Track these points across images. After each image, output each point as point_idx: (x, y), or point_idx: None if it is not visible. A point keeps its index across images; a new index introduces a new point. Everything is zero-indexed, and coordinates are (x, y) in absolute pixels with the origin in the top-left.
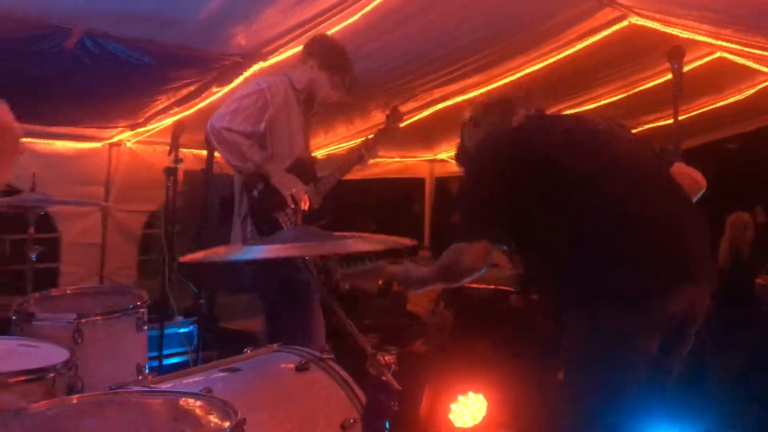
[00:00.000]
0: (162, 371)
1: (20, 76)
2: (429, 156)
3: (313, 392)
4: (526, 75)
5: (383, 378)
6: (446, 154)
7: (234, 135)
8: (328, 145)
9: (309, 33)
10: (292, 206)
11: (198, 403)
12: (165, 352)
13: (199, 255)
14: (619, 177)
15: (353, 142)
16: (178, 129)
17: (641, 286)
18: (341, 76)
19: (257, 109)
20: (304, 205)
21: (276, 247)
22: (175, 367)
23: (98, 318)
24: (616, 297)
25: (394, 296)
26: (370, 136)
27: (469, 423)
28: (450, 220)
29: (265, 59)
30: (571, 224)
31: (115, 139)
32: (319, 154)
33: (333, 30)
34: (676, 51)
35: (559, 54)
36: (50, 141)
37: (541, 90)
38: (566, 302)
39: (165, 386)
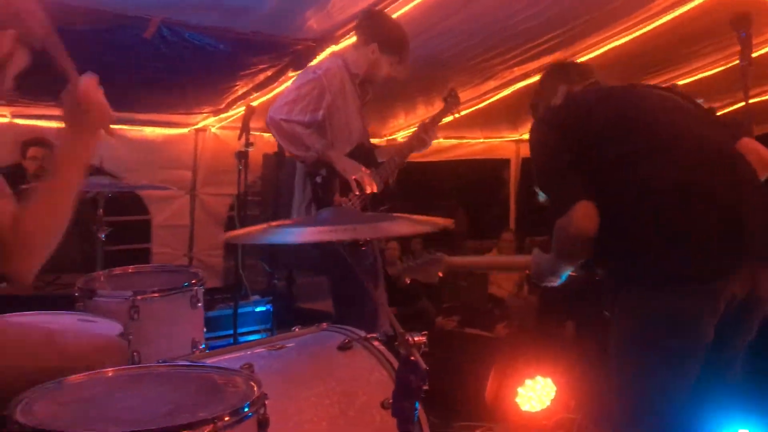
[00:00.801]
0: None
1: (105, 66)
2: (515, 136)
3: (353, 371)
4: (607, 51)
5: (412, 358)
6: None
7: (293, 125)
8: (409, 126)
9: None
10: (357, 192)
11: (228, 378)
12: (241, 330)
13: (241, 232)
14: (677, 150)
15: None
16: (248, 113)
17: (699, 265)
18: (402, 56)
19: (315, 98)
20: (369, 190)
21: (311, 230)
22: None
23: (154, 295)
24: (672, 277)
25: (476, 278)
26: (426, 120)
27: (537, 407)
28: (536, 202)
29: (337, 42)
30: (625, 201)
31: (200, 125)
32: (399, 136)
33: (402, 10)
34: (741, 18)
35: (641, 29)
36: (140, 128)
37: (621, 67)
38: (618, 282)
39: (208, 361)
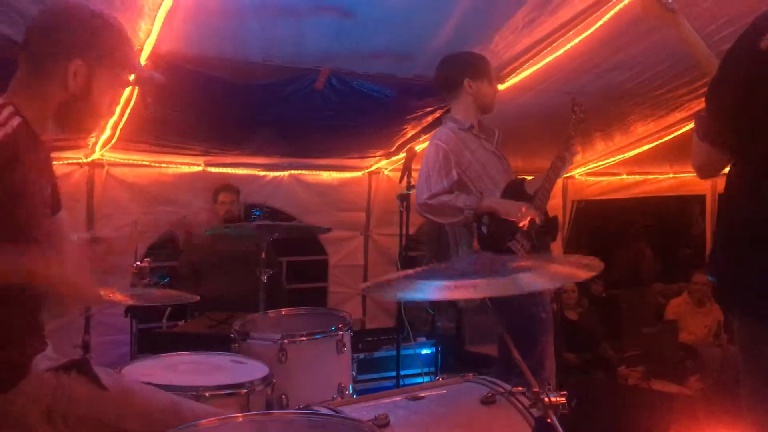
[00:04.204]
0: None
1: (281, 117)
2: None
3: (496, 427)
4: None
5: (548, 420)
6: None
7: (438, 198)
8: (587, 163)
9: (545, 50)
10: (525, 228)
11: (358, 429)
12: (405, 372)
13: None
14: None
15: (612, 159)
16: (410, 156)
17: None
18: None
19: (442, 162)
20: (540, 220)
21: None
22: None
23: (302, 338)
24: None
25: (665, 324)
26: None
27: None
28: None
29: (502, 81)
30: None
31: (373, 168)
32: (577, 172)
33: (570, 44)
34: None
35: None
36: (317, 172)
37: None
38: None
39: (348, 408)
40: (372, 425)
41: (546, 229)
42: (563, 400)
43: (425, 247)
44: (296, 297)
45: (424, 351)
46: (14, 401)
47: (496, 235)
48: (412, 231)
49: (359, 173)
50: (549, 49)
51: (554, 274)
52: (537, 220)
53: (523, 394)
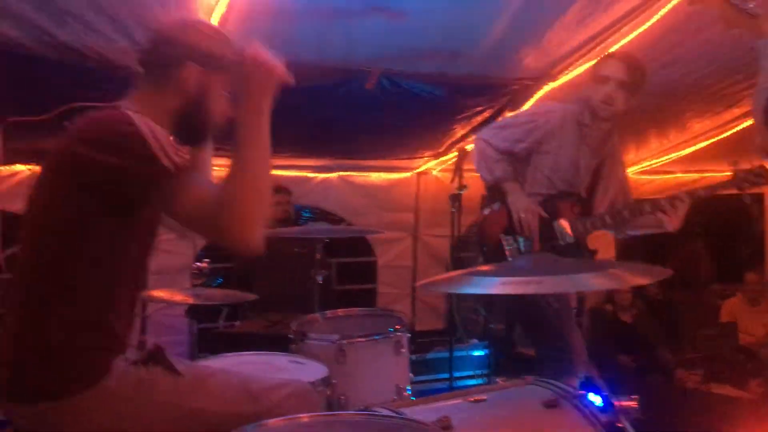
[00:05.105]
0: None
1: (331, 118)
2: None
3: (559, 431)
4: None
5: (618, 425)
6: None
7: (489, 148)
8: (641, 161)
9: (598, 47)
10: (518, 229)
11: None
12: (457, 374)
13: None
14: None
15: (667, 157)
16: (461, 156)
17: None
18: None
19: (522, 131)
20: (527, 233)
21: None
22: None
23: (360, 339)
24: None
25: (724, 326)
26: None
27: None
28: None
29: (554, 79)
30: None
31: (421, 168)
32: (631, 171)
33: (624, 41)
34: None
35: None
36: (366, 173)
37: None
38: None
39: (408, 410)
40: (438, 428)
41: (561, 251)
42: (634, 404)
43: (474, 248)
44: (346, 298)
45: (476, 353)
46: (98, 396)
47: (492, 222)
48: (462, 232)
49: (408, 174)
50: (602, 45)
51: (616, 276)
52: (528, 234)
53: (585, 396)
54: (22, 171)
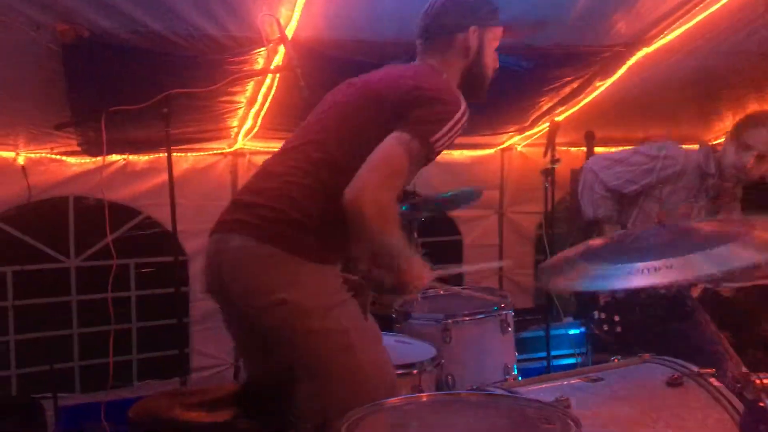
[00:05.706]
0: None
1: None
2: None
3: (686, 410)
4: None
5: (761, 404)
6: None
7: (597, 183)
8: None
9: (697, 7)
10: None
11: (542, 412)
12: (554, 353)
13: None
14: None
15: None
16: (553, 128)
17: None
18: None
19: (636, 172)
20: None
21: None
22: (561, 369)
23: (465, 318)
24: None
25: None
26: None
27: None
28: None
29: (649, 44)
30: None
31: (506, 144)
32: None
33: (718, 5)
34: None
35: None
36: (449, 152)
37: None
38: None
39: (521, 390)
40: (563, 408)
41: None
42: None
43: (564, 224)
44: None
45: (572, 331)
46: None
47: None
48: (549, 208)
49: (491, 150)
50: (701, 5)
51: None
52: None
53: (713, 375)
54: (118, 161)
